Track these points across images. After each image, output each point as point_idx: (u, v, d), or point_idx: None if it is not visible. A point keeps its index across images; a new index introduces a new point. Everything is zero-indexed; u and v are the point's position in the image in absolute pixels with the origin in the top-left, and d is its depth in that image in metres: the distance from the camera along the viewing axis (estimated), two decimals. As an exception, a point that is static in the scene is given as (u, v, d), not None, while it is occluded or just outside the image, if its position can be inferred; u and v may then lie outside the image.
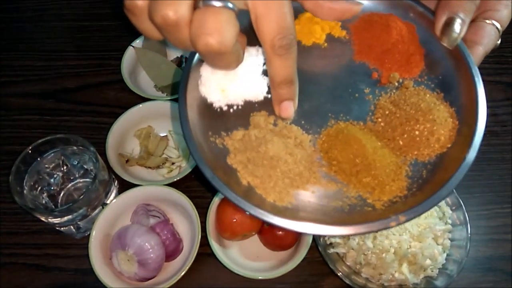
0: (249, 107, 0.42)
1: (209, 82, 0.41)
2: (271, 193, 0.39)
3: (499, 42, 0.45)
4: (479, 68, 0.42)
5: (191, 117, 0.41)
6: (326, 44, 0.46)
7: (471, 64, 0.42)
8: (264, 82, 0.41)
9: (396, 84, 0.44)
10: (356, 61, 0.46)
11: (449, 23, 0.41)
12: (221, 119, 0.42)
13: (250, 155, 0.40)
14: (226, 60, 0.35)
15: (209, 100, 0.42)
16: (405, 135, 0.41)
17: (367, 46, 0.46)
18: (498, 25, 0.43)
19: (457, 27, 0.41)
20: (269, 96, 0.42)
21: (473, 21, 0.43)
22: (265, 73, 0.40)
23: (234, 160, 0.40)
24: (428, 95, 0.43)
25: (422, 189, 0.39)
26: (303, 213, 0.38)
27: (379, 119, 0.43)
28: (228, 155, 0.41)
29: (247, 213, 0.37)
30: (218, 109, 0.42)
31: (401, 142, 0.41)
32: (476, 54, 0.42)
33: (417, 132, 0.41)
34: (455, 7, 0.41)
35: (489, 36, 0.43)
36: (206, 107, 0.42)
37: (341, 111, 0.43)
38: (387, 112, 0.43)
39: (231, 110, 0.42)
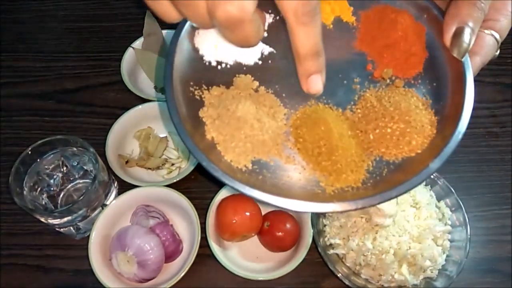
0: (237, 68, 0.43)
1: (205, 34, 0.41)
2: (230, 152, 0.39)
3: (497, 53, 0.45)
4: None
5: (177, 62, 0.41)
6: (331, 26, 0.46)
7: (467, 80, 0.41)
8: (259, 48, 0.42)
9: (388, 80, 0.44)
10: (356, 49, 0.45)
11: (459, 33, 0.40)
12: (207, 73, 0.42)
13: (220, 112, 0.41)
14: (246, 31, 0.34)
15: (201, 52, 0.42)
16: (377, 130, 0.41)
17: (370, 36, 0.45)
18: (497, 36, 0.43)
19: (467, 37, 0.40)
20: (260, 62, 0.42)
21: None
22: (263, 40, 0.40)
23: (205, 114, 0.41)
24: (414, 98, 0.42)
25: (376, 186, 0.39)
26: (253, 179, 0.39)
27: (358, 110, 0.43)
28: (201, 108, 0.41)
29: (203, 164, 0.38)
30: (207, 63, 0.42)
31: (371, 136, 0.41)
32: (474, 65, 0.42)
33: (389, 130, 0.41)
34: (465, 17, 0.40)
35: (487, 47, 0.43)
36: (196, 59, 0.42)
37: (324, 93, 0.42)
38: (368, 105, 0.42)
39: (219, 67, 0.43)
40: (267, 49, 0.44)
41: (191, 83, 0.42)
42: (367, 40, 0.45)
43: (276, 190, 0.38)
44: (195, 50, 0.42)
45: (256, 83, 0.43)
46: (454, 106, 0.41)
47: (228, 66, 0.43)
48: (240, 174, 0.39)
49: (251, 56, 0.42)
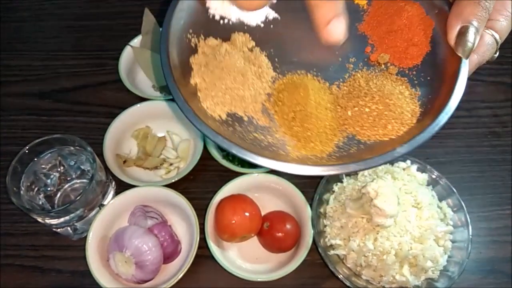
0: (238, 26, 0.43)
1: None
2: (208, 100, 0.40)
3: (496, 54, 0.44)
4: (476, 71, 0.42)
5: (181, 7, 0.42)
6: None
7: (460, 77, 0.40)
8: (264, 12, 0.42)
9: (383, 66, 0.44)
10: (359, 30, 0.45)
11: (463, 32, 0.40)
12: (208, 25, 0.43)
13: (208, 60, 0.41)
14: None
15: (208, 4, 0.42)
16: (356, 108, 0.41)
17: (376, 21, 0.45)
18: (497, 36, 0.42)
19: (471, 36, 0.39)
20: (262, 25, 0.43)
21: None
22: (271, 5, 0.41)
23: (195, 60, 0.42)
24: (402, 86, 0.42)
25: (339, 159, 0.39)
26: (223, 129, 0.39)
27: (345, 87, 0.43)
28: (193, 55, 0.42)
29: (178, 103, 0.38)
30: (211, 16, 0.43)
31: (349, 113, 0.41)
32: (470, 63, 0.41)
33: (367, 109, 0.41)
34: (469, 16, 0.40)
35: (486, 46, 0.42)
36: (200, 10, 0.42)
37: (316, 66, 0.43)
38: (355, 84, 0.43)
39: (221, 21, 0.43)
40: (272, 14, 0.44)
41: (190, 31, 0.42)
42: (372, 23, 0.45)
43: (241, 143, 0.38)
44: (201, 2, 0.43)
45: (253, 43, 0.43)
46: (441, 100, 0.40)
47: (230, 22, 0.43)
48: (212, 121, 0.39)
49: (255, 17, 0.43)
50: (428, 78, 0.43)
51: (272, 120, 0.41)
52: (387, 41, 0.44)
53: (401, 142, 0.38)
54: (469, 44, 0.39)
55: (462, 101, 0.84)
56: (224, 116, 0.40)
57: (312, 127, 0.40)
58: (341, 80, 0.44)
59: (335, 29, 0.34)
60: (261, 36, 0.44)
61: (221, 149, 0.73)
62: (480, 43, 0.42)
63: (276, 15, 0.44)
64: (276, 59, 0.44)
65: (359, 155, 0.39)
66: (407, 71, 0.44)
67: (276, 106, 0.41)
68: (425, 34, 0.44)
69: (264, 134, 0.40)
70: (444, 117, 0.38)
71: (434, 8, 0.44)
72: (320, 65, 0.43)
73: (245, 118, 0.41)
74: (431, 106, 0.41)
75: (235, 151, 0.37)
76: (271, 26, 0.44)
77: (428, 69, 0.43)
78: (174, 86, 0.39)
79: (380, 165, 0.37)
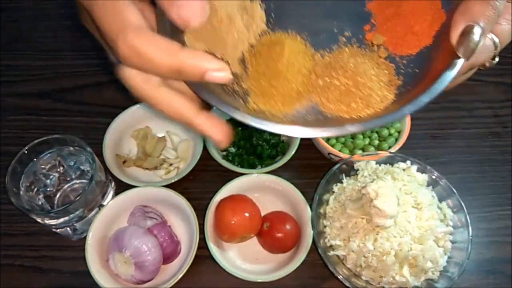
0: None
1: None
2: (190, 35, 0.39)
3: (496, 60, 0.43)
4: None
5: None
6: None
7: (443, 76, 0.38)
8: None
9: (375, 47, 0.43)
10: (367, 8, 0.45)
11: (467, 32, 0.37)
12: None
13: None
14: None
15: None
16: (327, 79, 0.41)
17: (387, 2, 0.44)
18: (496, 40, 0.40)
19: (476, 37, 0.36)
20: None
21: None
22: None
23: None
24: (384, 71, 0.42)
25: (291, 122, 0.39)
26: None
27: (327, 57, 0.43)
28: None
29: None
30: None
31: (320, 82, 0.41)
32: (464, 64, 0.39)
33: (336, 82, 0.40)
34: (476, 15, 0.37)
35: (482, 48, 0.39)
36: None
37: (309, 30, 0.42)
38: (338, 57, 0.42)
39: None
40: None
41: None
42: (382, 3, 0.44)
43: (206, 85, 0.38)
44: None
45: None
46: (413, 94, 0.39)
47: None
48: None
49: None
50: (417, 70, 0.42)
51: (245, 70, 0.41)
52: (389, 24, 0.43)
53: (353, 121, 0.38)
54: (472, 45, 0.36)
55: (462, 101, 0.84)
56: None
57: (277, 86, 0.40)
58: (327, 50, 0.43)
59: (183, 8, 0.33)
60: None
61: (221, 149, 0.73)
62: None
63: None
64: (273, 15, 0.43)
65: (313, 124, 0.39)
66: (397, 59, 0.43)
67: (253, 58, 0.41)
68: (430, 25, 0.42)
69: (233, 81, 0.40)
70: (407, 109, 0.37)
71: (451, 4, 0.41)
72: (313, 30, 0.43)
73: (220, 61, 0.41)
74: (404, 97, 0.40)
75: (195, 88, 0.37)
76: None
77: (421, 62, 0.42)
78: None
79: (323, 136, 0.37)
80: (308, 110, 0.40)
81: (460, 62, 0.38)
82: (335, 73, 0.41)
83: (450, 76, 0.38)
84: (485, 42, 0.39)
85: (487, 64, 0.43)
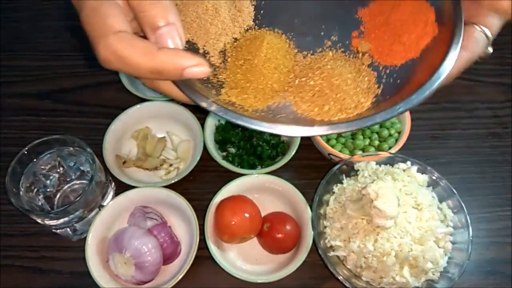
0: None
1: None
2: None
3: (490, 50, 0.43)
4: (471, 71, 0.41)
5: None
6: None
7: (416, 96, 0.37)
8: None
9: (360, 54, 0.43)
10: (358, 14, 0.45)
11: None
12: None
13: None
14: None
15: None
16: (303, 79, 0.41)
17: (378, 10, 0.44)
18: (488, 32, 0.41)
19: None
20: None
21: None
22: None
23: None
24: (363, 77, 0.41)
25: (260, 117, 0.39)
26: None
27: (309, 59, 0.43)
28: None
29: None
30: None
31: (296, 82, 0.41)
32: (460, 59, 0.39)
33: (311, 82, 0.40)
34: None
35: (475, 42, 0.41)
36: None
37: (296, 30, 0.42)
38: (319, 59, 0.42)
39: None
40: None
41: None
42: (374, 11, 0.44)
43: None
44: None
45: None
46: (387, 104, 0.38)
47: None
48: None
49: None
50: (398, 81, 0.41)
51: (224, 62, 0.41)
52: (377, 32, 0.43)
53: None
54: None
55: (462, 101, 0.84)
56: (183, 42, 0.40)
57: (253, 80, 0.40)
58: (311, 51, 0.43)
59: (165, 39, 0.34)
60: None
61: (221, 150, 0.73)
62: (469, 40, 0.41)
63: None
64: (262, 11, 0.43)
65: (281, 122, 0.38)
66: (381, 67, 0.42)
67: (234, 51, 0.42)
68: (420, 38, 0.41)
69: (212, 73, 0.40)
70: (380, 117, 0.36)
71: (445, 16, 0.41)
72: (300, 31, 0.43)
73: (201, 51, 0.41)
74: (381, 106, 0.39)
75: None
76: None
77: (404, 73, 0.41)
78: None
79: (292, 136, 0.36)
80: (280, 108, 0.40)
81: (442, 76, 0.37)
82: (312, 74, 0.41)
83: (429, 88, 0.37)
84: (478, 36, 0.41)
85: (483, 55, 0.42)
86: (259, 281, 0.61)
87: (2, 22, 0.91)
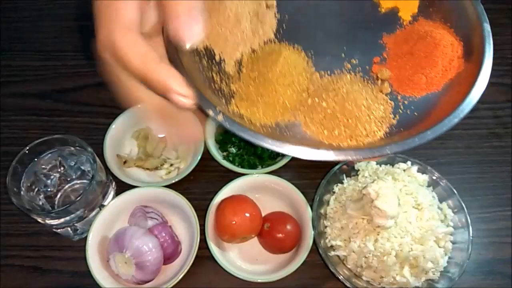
0: None
1: None
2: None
3: None
4: None
5: None
6: (383, 10, 0.44)
7: (430, 132, 0.37)
8: None
9: (379, 81, 0.42)
10: (383, 40, 0.44)
11: None
12: None
13: None
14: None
15: None
16: (317, 99, 0.40)
17: (404, 38, 0.43)
18: None
19: None
20: None
21: None
22: None
23: None
24: (379, 105, 0.40)
25: (268, 133, 0.38)
26: (190, 57, 0.39)
27: (325, 80, 0.42)
28: None
29: None
30: None
31: (309, 101, 0.40)
32: None
33: (324, 104, 0.39)
34: None
35: None
36: None
37: (316, 49, 0.42)
38: (337, 81, 0.41)
39: None
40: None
41: None
42: (399, 39, 0.43)
43: (195, 75, 0.38)
44: None
45: (273, 3, 0.42)
46: (401, 137, 0.38)
47: None
48: (184, 51, 0.39)
49: None
50: (416, 114, 0.40)
51: (239, 72, 0.41)
52: (399, 60, 0.42)
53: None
54: None
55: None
56: (200, 47, 0.40)
57: (264, 94, 0.39)
58: (328, 72, 0.42)
59: (184, 27, 0.33)
60: (285, 4, 0.43)
61: (222, 150, 0.73)
62: None
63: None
64: (284, 26, 0.43)
65: (288, 141, 0.37)
66: (399, 97, 0.41)
67: (250, 62, 0.41)
68: (444, 72, 0.40)
69: (222, 79, 0.40)
70: (390, 148, 0.36)
71: (472, 55, 0.40)
72: (320, 50, 0.42)
73: (217, 58, 0.40)
74: (394, 138, 0.38)
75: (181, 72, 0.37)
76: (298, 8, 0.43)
77: (423, 107, 0.40)
78: None
79: (296, 156, 0.35)
80: (288, 126, 0.39)
81: (461, 115, 0.38)
82: (326, 95, 0.40)
83: (446, 126, 0.37)
84: None
85: None
86: (259, 280, 0.61)
87: (2, 22, 0.91)
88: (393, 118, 0.40)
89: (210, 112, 0.36)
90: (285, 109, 0.40)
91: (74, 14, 0.92)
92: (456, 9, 0.43)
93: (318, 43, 0.43)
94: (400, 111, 0.40)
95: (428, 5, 0.44)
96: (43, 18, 0.92)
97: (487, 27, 0.40)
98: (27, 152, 0.62)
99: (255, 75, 0.40)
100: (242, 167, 0.70)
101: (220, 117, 0.36)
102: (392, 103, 0.41)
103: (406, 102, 0.41)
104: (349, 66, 0.43)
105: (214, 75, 0.40)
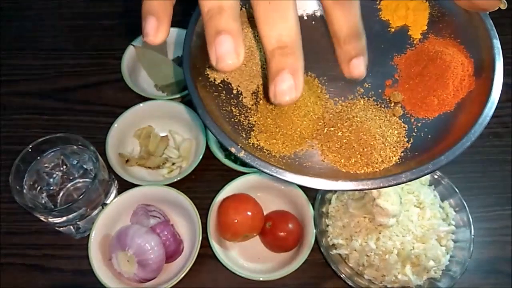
0: None
1: None
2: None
3: (505, 6, 0.40)
4: None
5: None
6: (392, 30, 0.44)
7: (443, 158, 0.36)
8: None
9: (392, 104, 0.41)
10: (394, 62, 0.43)
11: None
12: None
13: None
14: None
15: None
16: (332, 128, 0.40)
17: (415, 59, 0.42)
18: None
19: None
20: (305, 18, 0.43)
21: None
22: None
23: None
24: (393, 130, 0.40)
25: (287, 165, 0.39)
26: (208, 90, 0.40)
27: (340, 106, 0.41)
28: None
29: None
30: None
31: (325, 130, 0.40)
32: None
33: (339, 133, 0.39)
34: None
35: None
36: None
37: (329, 75, 0.42)
38: (350, 108, 0.41)
39: None
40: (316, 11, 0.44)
41: None
42: (410, 60, 0.42)
43: (213, 110, 0.38)
44: None
45: None
46: (419, 162, 0.38)
47: None
48: (203, 83, 0.40)
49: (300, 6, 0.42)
50: (429, 136, 0.40)
51: (256, 104, 0.41)
52: (411, 82, 0.41)
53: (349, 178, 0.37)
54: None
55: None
56: (218, 81, 0.40)
57: (282, 126, 0.39)
58: (342, 98, 0.42)
59: (356, 67, 0.33)
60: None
61: (223, 149, 0.73)
62: None
63: (318, 12, 0.44)
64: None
65: (306, 171, 0.38)
66: (413, 120, 0.41)
67: (265, 94, 0.41)
68: (456, 92, 0.40)
69: (240, 112, 0.40)
70: (405, 176, 0.36)
71: (484, 72, 0.40)
72: (332, 76, 0.42)
73: (234, 91, 0.41)
74: (409, 161, 0.38)
75: (201, 113, 0.37)
76: (312, 22, 0.43)
77: (436, 128, 0.40)
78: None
79: (315, 188, 0.35)
80: (307, 156, 0.40)
81: (473, 138, 0.37)
82: (341, 124, 0.40)
83: (458, 150, 0.36)
84: None
85: (502, 7, 0.40)
86: (261, 279, 0.61)
87: (4, 21, 0.91)
88: (408, 142, 0.40)
89: (233, 150, 0.36)
90: (303, 138, 0.40)
91: (76, 13, 0.92)
92: (465, 25, 0.42)
93: (330, 69, 0.42)
94: (414, 134, 0.40)
95: (437, 21, 0.44)
96: (44, 17, 0.92)
97: (496, 43, 0.40)
98: (29, 150, 0.62)
99: (272, 107, 0.40)
100: (244, 166, 0.71)
101: (242, 154, 0.36)
102: (406, 126, 0.41)
103: (419, 124, 0.41)
104: (362, 90, 0.43)
105: (233, 108, 0.40)
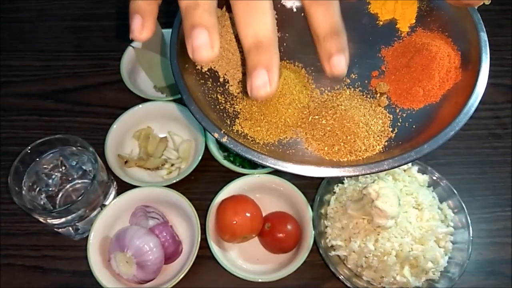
0: None
1: None
2: None
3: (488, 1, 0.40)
4: None
5: None
6: (381, 23, 0.44)
7: (427, 145, 0.37)
8: None
9: (378, 94, 0.42)
10: (381, 54, 0.44)
11: None
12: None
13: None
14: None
15: None
16: (317, 117, 0.40)
17: (402, 52, 0.43)
18: None
19: None
20: (295, 10, 0.43)
21: None
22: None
23: None
24: (377, 120, 0.40)
25: (270, 152, 0.39)
26: (195, 80, 0.40)
27: (326, 96, 0.42)
28: None
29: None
30: None
31: (310, 119, 0.41)
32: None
33: (323, 121, 0.40)
34: None
35: None
36: None
37: (316, 65, 0.42)
38: (335, 97, 0.41)
39: None
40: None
41: None
42: (397, 52, 0.43)
43: (199, 97, 0.39)
44: None
45: None
46: (400, 150, 0.38)
47: None
48: (190, 73, 0.40)
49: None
50: (414, 127, 0.40)
51: (242, 92, 0.41)
52: (397, 74, 0.42)
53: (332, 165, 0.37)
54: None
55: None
56: (205, 69, 0.41)
57: (266, 114, 0.40)
58: (328, 88, 0.42)
59: (337, 64, 0.33)
60: (284, 18, 0.43)
61: (222, 150, 0.73)
62: None
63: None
64: (285, 44, 0.43)
65: (292, 159, 0.38)
66: (398, 110, 0.41)
67: None
68: (441, 83, 0.40)
69: (226, 100, 0.41)
70: (387, 164, 0.36)
71: (470, 62, 0.40)
72: (319, 67, 0.43)
73: (221, 79, 0.41)
74: (393, 151, 0.39)
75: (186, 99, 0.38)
76: (302, 14, 0.43)
77: (421, 119, 0.40)
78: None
79: (298, 174, 0.36)
80: (290, 143, 0.40)
81: (456, 128, 0.37)
82: (325, 112, 0.40)
83: (442, 139, 0.37)
84: None
85: (486, 2, 0.39)
86: (260, 280, 0.61)
87: (4, 22, 0.91)
88: (392, 132, 0.40)
89: (216, 135, 0.36)
90: (287, 126, 0.40)
91: (75, 14, 0.92)
92: (453, 19, 0.43)
93: (318, 60, 0.43)
94: (399, 124, 0.41)
95: (426, 15, 0.44)
96: (44, 18, 0.92)
97: (483, 36, 0.40)
98: (29, 151, 0.62)
99: None
100: (243, 167, 0.71)
101: (225, 139, 0.36)
102: (391, 116, 0.41)
103: (404, 115, 0.41)
104: (348, 81, 0.43)
105: (219, 96, 0.41)
